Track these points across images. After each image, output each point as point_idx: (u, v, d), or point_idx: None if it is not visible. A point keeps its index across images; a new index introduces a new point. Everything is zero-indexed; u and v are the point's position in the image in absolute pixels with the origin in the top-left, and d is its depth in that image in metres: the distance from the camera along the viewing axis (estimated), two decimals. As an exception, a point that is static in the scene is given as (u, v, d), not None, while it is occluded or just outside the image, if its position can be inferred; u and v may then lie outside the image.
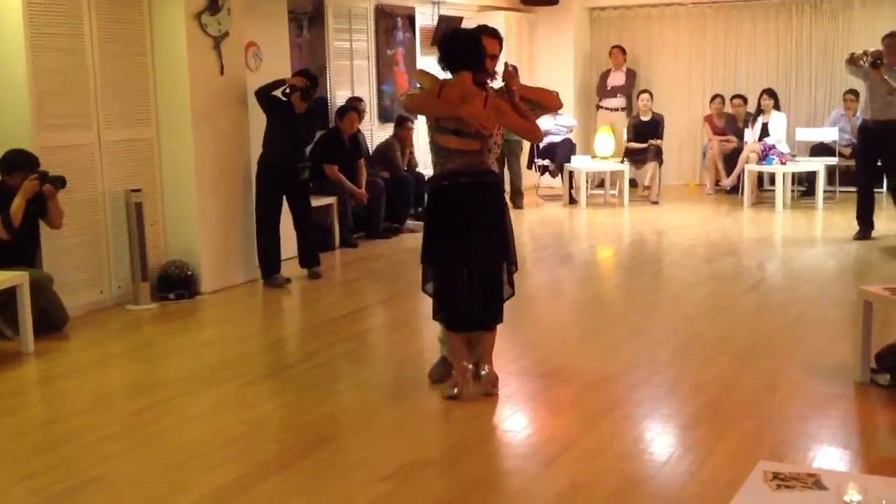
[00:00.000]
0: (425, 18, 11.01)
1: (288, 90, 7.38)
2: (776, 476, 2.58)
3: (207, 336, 6.22)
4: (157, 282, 6.95)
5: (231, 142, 7.32)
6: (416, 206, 9.97)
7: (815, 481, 2.54)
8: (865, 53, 8.49)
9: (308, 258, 7.73)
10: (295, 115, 7.39)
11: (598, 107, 12.65)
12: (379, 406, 4.71)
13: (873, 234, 8.85)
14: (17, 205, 5.86)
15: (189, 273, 7.01)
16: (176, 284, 6.96)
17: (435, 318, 4.84)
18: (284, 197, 7.54)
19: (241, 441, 4.25)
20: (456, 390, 4.68)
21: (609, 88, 12.51)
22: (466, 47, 4.72)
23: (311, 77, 7.53)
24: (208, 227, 7.14)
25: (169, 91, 6.98)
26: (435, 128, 4.71)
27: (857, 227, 8.93)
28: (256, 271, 7.55)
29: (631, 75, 12.57)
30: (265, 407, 4.78)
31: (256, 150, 7.49)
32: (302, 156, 7.71)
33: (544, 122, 11.82)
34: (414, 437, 4.26)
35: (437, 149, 4.75)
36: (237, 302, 7.06)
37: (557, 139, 11.80)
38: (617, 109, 12.41)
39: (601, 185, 12.40)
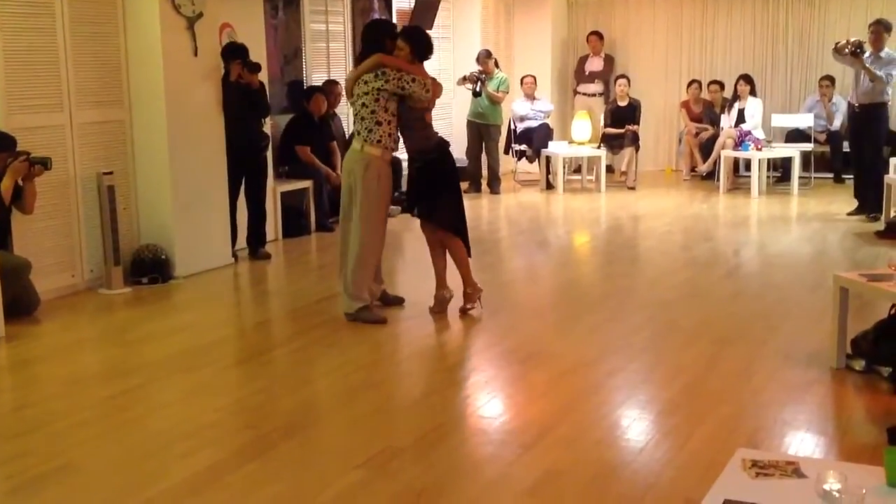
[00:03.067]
0: (402, 1, 10.92)
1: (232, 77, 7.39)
2: (755, 464, 2.57)
3: (181, 321, 6.15)
4: (130, 266, 6.87)
5: (205, 124, 7.23)
6: (392, 189, 9.90)
7: (794, 469, 2.54)
8: (848, 42, 8.81)
9: (255, 238, 7.72)
10: (241, 90, 7.35)
11: (576, 92, 12.63)
12: (354, 392, 4.67)
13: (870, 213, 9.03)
14: (7, 185, 5.80)
15: (162, 257, 6.93)
16: (149, 268, 6.88)
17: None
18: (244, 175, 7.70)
19: (215, 427, 4.20)
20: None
21: (587, 74, 12.49)
22: (430, 42, 5.84)
23: (235, 49, 7.45)
24: (182, 211, 7.06)
25: (142, 72, 6.88)
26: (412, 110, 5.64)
27: (854, 205, 9.31)
28: (229, 256, 7.49)
29: (609, 61, 12.56)
30: (240, 393, 4.74)
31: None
32: (258, 131, 7.68)
33: (521, 106, 11.81)
34: (389, 424, 4.23)
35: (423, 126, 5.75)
36: (211, 286, 6.99)
37: (534, 124, 11.76)
38: (595, 95, 12.40)
39: (578, 170, 12.39)
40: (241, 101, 7.44)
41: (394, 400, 4.57)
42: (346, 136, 9.74)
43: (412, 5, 10.96)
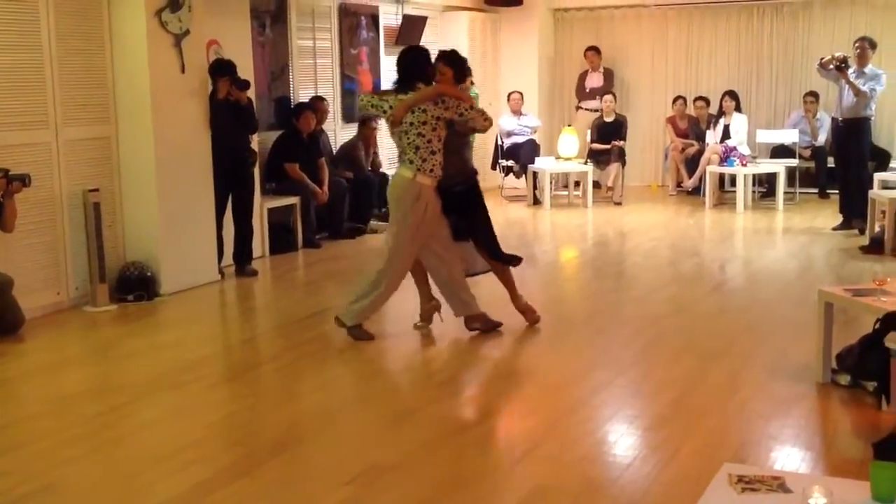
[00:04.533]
0: (389, 18, 10.96)
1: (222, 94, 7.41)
2: (741, 479, 2.58)
3: (167, 338, 6.13)
4: (115, 283, 6.85)
5: (191, 141, 7.23)
6: (379, 206, 9.93)
7: (779, 484, 2.54)
8: (833, 57, 8.90)
9: (242, 254, 7.71)
10: (230, 107, 7.36)
11: (578, 107, 12.66)
12: (343, 408, 4.67)
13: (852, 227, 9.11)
14: None
15: (148, 274, 6.91)
16: (135, 286, 6.85)
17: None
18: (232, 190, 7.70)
19: (202, 445, 4.19)
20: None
21: (588, 91, 12.52)
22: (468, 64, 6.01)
23: (223, 66, 7.46)
24: (168, 228, 7.05)
25: (128, 89, 6.87)
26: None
27: (839, 220, 9.33)
28: (216, 272, 7.47)
29: (609, 75, 12.59)
30: (227, 410, 4.72)
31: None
32: (245, 147, 7.69)
33: (507, 122, 11.85)
34: (378, 440, 4.22)
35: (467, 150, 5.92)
36: (198, 303, 6.97)
37: (521, 140, 11.80)
38: (597, 111, 12.36)
39: (565, 185, 12.43)
40: (229, 118, 7.44)
41: (382, 416, 4.56)
42: (333, 152, 9.76)
43: (399, 22, 11.01)
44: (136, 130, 6.90)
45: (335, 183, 9.17)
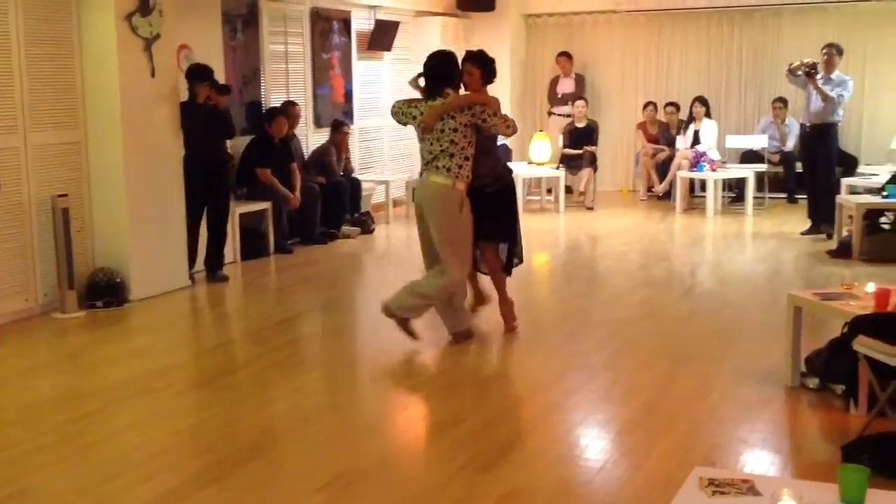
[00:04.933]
0: (361, 22, 10.96)
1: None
2: (711, 482, 2.60)
3: (137, 344, 6.09)
4: (84, 289, 6.78)
5: (162, 146, 7.18)
6: (352, 211, 9.91)
7: (749, 487, 2.57)
8: (802, 64, 8.99)
9: (214, 260, 7.68)
10: (208, 112, 7.32)
11: (550, 113, 12.69)
12: (314, 415, 4.65)
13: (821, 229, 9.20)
14: None
15: (118, 280, 6.85)
16: (104, 292, 6.79)
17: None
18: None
19: (172, 452, 4.16)
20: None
21: (560, 96, 12.55)
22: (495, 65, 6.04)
23: (202, 71, 7.43)
24: (138, 233, 6.99)
25: (98, 94, 6.82)
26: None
27: (807, 225, 9.43)
28: (186, 278, 7.42)
29: (580, 80, 12.64)
30: (197, 417, 4.69)
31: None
32: (222, 152, 7.66)
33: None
34: (350, 447, 4.21)
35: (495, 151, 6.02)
36: (168, 309, 6.92)
37: (493, 145, 11.82)
38: (569, 116, 12.38)
39: (539, 189, 12.46)
40: (206, 123, 7.40)
41: (355, 422, 4.56)
42: (305, 157, 9.74)
43: (372, 27, 11.00)
44: (105, 135, 6.85)
45: (307, 188, 9.15)
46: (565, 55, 12.63)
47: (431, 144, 5.53)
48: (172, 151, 7.29)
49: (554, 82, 12.69)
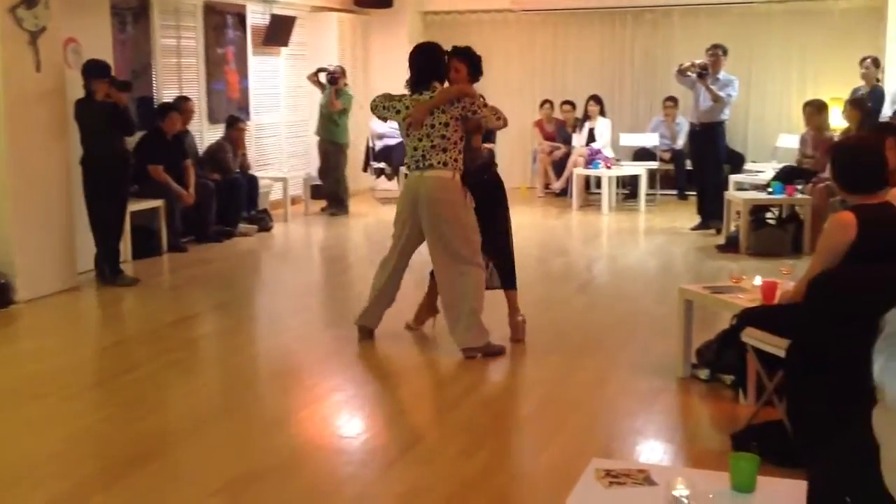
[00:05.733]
0: (257, 17, 10.79)
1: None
2: (608, 473, 2.64)
3: (23, 347, 5.86)
4: (-34, 291, 6.50)
5: (49, 141, 6.92)
6: (249, 209, 9.75)
7: (645, 477, 2.61)
8: (693, 65, 9.16)
9: (112, 259, 7.47)
10: (107, 108, 7.12)
11: None
12: (209, 417, 4.55)
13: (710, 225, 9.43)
14: None
15: (2, 282, 6.58)
16: (-12, 293, 6.52)
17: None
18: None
19: (60, 458, 4.01)
20: None
21: None
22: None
23: (100, 68, 7.22)
24: (23, 232, 6.72)
25: (-21, 87, 6.54)
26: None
27: (697, 220, 9.63)
28: (77, 278, 7.18)
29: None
30: (86, 421, 4.53)
31: (77, 149, 7.15)
32: (122, 150, 7.44)
33: (379, 124, 11.83)
34: (247, 449, 4.13)
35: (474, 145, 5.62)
36: (56, 311, 6.68)
37: (393, 142, 11.80)
38: None
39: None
40: (104, 120, 7.15)
41: (252, 423, 4.47)
42: (199, 153, 9.53)
43: (267, 22, 10.84)
44: (-13, 130, 6.57)
45: (202, 185, 8.96)
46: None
47: (420, 140, 5.34)
48: (59, 148, 7.03)
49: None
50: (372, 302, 5.65)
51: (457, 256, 5.33)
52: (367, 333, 5.67)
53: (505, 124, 5.61)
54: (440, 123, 5.32)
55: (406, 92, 5.53)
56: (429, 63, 5.52)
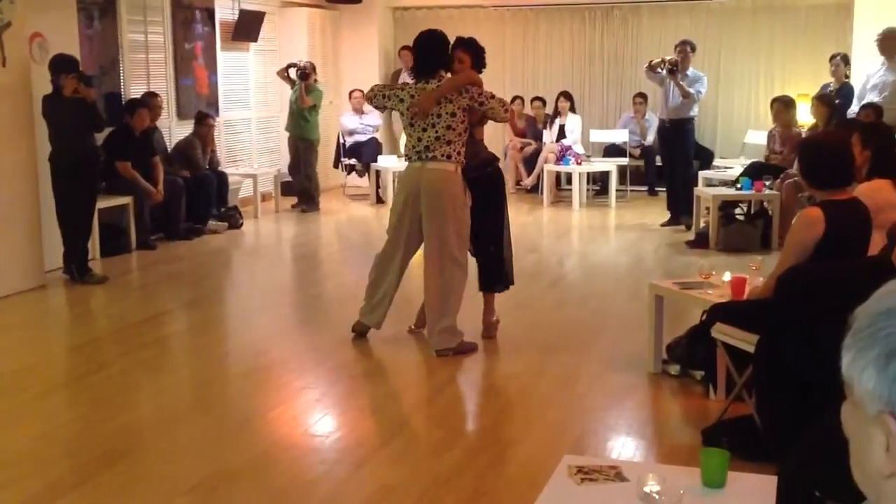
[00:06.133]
0: (225, 12, 10.71)
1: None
2: (580, 470, 2.65)
3: (-10, 347, 5.78)
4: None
5: (13, 138, 6.83)
6: (218, 205, 9.68)
7: (616, 473, 2.63)
8: (663, 61, 9.18)
9: (81, 257, 7.40)
10: (75, 104, 7.04)
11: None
12: (180, 416, 4.52)
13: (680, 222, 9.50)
14: None
15: (-32, 279, 6.50)
16: (-47, 292, 6.43)
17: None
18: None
19: (30, 458, 3.97)
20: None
21: None
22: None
23: (68, 63, 7.14)
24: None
25: (-58, 83, 6.45)
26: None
27: (667, 217, 9.72)
28: (42, 277, 7.10)
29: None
30: (56, 421, 4.49)
31: (44, 145, 7.07)
32: (91, 146, 7.36)
33: (349, 121, 11.80)
34: (218, 448, 4.11)
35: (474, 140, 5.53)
36: (23, 310, 6.60)
37: (363, 138, 11.78)
38: None
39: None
40: (73, 116, 7.06)
41: (223, 422, 4.45)
42: (168, 150, 9.46)
43: (236, 17, 10.77)
44: (-49, 127, 6.48)
45: (171, 182, 8.89)
46: (408, 49, 12.47)
47: (425, 130, 5.20)
48: (25, 143, 6.94)
49: (395, 76, 12.46)
50: (378, 301, 5.49)
51: (449, 254, 5.27)
52: (363, 333, 5.57)
53: (510, 116, 5.53)
54: (447, 113, 5.19)
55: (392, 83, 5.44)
56: (434, 50, 5.34)
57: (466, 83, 5.25)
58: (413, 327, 5.79)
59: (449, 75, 5.34)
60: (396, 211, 5.44)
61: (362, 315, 5.55)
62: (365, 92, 5.59)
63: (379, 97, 5.42)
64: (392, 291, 5.50)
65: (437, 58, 5.31)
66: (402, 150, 11.72)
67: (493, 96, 5.35)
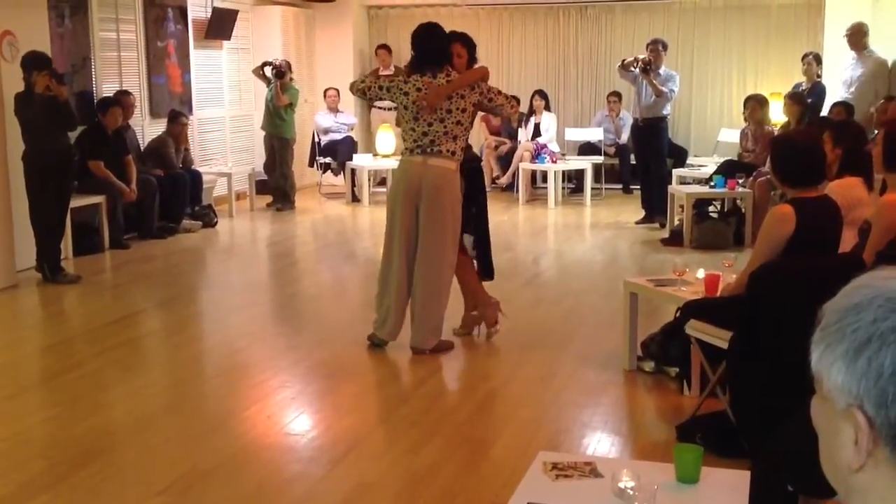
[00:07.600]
0: (198, 10, 10.64)
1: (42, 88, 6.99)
2: (555, 466, 2.66)
3: (-39, 348, 5.72)
4: None
5: (-15, 137, 6.77)
6: (192, 204, 9.63)
7: (591, 469, 2.64)
8: (636, 60, 9.19)
9: (54, 257, 7.34)
10: (47, 102, 6.97)
11: (372, 106, 12.58)
12: (154, 415, 4.49)
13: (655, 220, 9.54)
14: None
15: (-62, 280, 6.43)
16: (-77, 292, 6.36)
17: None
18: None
19: (2, 459, 3.93)
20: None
21: None
22: None
23: (40, 60, 7.07)
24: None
25: (-89, 81, 6.36)
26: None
27: (641, 215, 9.75)
28: (14, 276, 7.03)
29: (399, 74, 12.54)
30: (28, 421, 4.45)
31: (15, 145, 6.99)
32: (65, 145, 7.29)
33: (324, 119, 11.77)
34: (193, 447, 4.09)
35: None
36: (-5, 309, 6.54)
37: (339, 137, 11.75)
38: (390, 109, 12.37)
39: (383, 182, 12.45)
40: (46, 114, 6.99)
41: (197, 422, 4.43)
42: (141, 149, 9.39)
43: (209, 15, 10.71)
44: (-80, 125, 6.40)
45: (144, 181, 8.83)
46: (385, 48, 12.46)
47: (431, 125, 5.06)
48: (-4, 143, 6.87)
49: (374, 75, 12.40)
50: (385, 314, 5.33)
51: (443, 252, 5.19)
52: (378, 345, 5.41)
53: (518, 113, 5.50)
54: (458, 109, 5.09)
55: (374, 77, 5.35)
56: (436, 43, 5.20)
57: (479, 79, 5.19)
58: (458, 330, 5.67)
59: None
60: (392, 207, 5.29)
61: (376, 328, 5.42)
62: (350, 85, 5.52)
63: (375, 88, 5.30)
64: (400, 302, 5.29)
65: (438, 51, 5.19)
66: (377, 148, 11.78)
67: (499, 92, 5.30)
